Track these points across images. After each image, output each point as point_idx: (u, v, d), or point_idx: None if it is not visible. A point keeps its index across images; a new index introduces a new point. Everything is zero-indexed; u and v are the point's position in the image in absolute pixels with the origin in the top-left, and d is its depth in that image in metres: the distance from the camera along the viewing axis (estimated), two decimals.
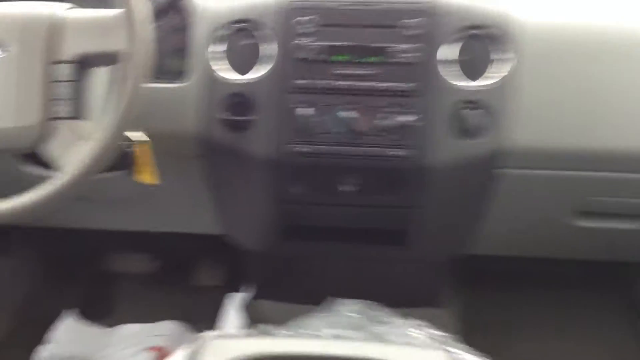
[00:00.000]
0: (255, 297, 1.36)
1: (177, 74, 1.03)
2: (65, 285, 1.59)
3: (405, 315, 1.19)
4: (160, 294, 1.59)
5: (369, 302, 1.12)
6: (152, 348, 1.41)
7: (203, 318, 1.51)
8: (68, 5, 0.86)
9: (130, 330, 1.49)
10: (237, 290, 1.50)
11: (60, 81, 0.81)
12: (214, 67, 1.01)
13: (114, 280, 1.63)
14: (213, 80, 1.01)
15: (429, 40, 0.97)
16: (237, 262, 1.43)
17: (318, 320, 1.08)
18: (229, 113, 1.00)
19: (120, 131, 0.80)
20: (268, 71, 1.00)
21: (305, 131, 0.99)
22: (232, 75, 1.01)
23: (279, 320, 1.32)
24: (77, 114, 0.82)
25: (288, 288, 1.38)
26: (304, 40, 0.99)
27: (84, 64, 0.83)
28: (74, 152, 0.79)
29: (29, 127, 0.80)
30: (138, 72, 0.79)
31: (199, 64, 1.02)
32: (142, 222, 1.28)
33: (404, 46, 0.97)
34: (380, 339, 1.02)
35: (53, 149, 0.81)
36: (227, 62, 1.01)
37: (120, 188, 1.06)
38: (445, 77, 0.97)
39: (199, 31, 1.03)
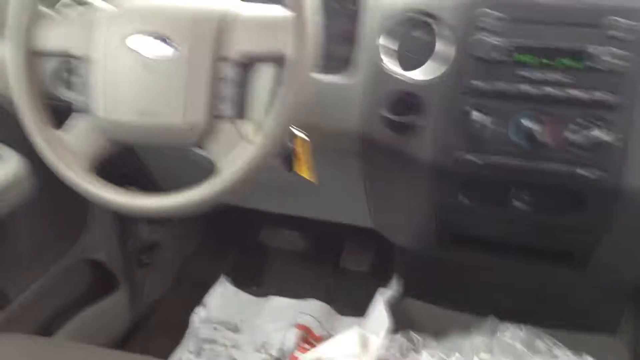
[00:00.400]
0: (404, 294, 1.32)
1: (342, 66, 0.97)
2: (221, 253, 1.66)
3: (574, 342, 1.08)
4: (307, 271, 1.61)
5: (534, 329, 1.02)
6: (299, 326, 1.43)
7: (346, 301, 1.51)
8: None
9: (279, 303, 1.52)
10: (382, 279, 1.47)
11: (225, 79, 0.79)
12: (383, 62, 0.93)
13: (265, 253, 1.68)
14: (380, 76, 0.94)
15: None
16: (386, 252, 1.39)
17: (476, 342, 1.00)
18: (395, 112, 0.93)
19: (283, 135, 0.77)
20: (442, 68, 0.90)
21: (480, 139, 0.88)
22: (401, 72, 0.93)
23: (429, 326, 1.27)
24: (240, 114, 0.80)
25: (441, 291, 1.31)
26: (487, 37, 0.87)
27: (249, 63, 0.79)
28: (236, 153, 0.77)
29: (194, 125, 0.79)
30: (303, 76, 0.74)
31: (366, 57, 0.95)
32: (297, 207, 1.27)
33: (609, 50, 0.81)
34: None
35: (215, 148, 0.80)
36: (397, 56, 0.93)
37: (278, 176, 1.05)
38: None
39: (370, 21, 0.95)
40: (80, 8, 0.88)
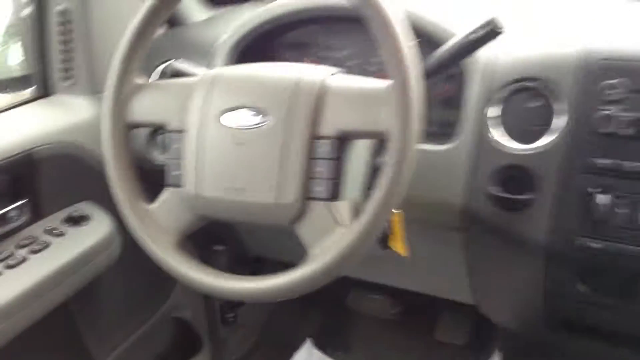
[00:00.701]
0: None
1: (443, 133, 0.90)
2: (305, 314, 1.60)
3: None
4: (397, 340, 1.52)
5: None
6: None
7: None
8: (333, 70, 0.78)
9: None
10: (479, 355, 1.35)
11: (319, 158, 0.74)
12: (490, 132, 0.86)
13: (352, 317, 1.60)
14: (487, 147, 0.86)
15: None
16: (485, 326, 1.28)
17: None
18: (502, 188, 0.85)
19: (384, 219, 0.70)
20: (558, 142, 0.81)
21: (605, 224, 0.78)
22: (510, 144, 0.84)
23: None
24: (334, 195, 0.74)
25: None
26: (609, 109, 0.78)
27: (343, 140, 0.74)
28: (330, 240, 0.72)
29: (286, 206, 0.74)
30: (408, 153, 0.67)
31: (470, 125, 0.88)
32: (388, 277, 1.20)
33: None
34: None
35: (307, 232, 0.74)
36: (506, 127, 0.85)
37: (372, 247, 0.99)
38: None
39: (476, 87, 0.88)
40: (175, 79, 0.87)
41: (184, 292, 1.36)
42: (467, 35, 0.81)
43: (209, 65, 1.10)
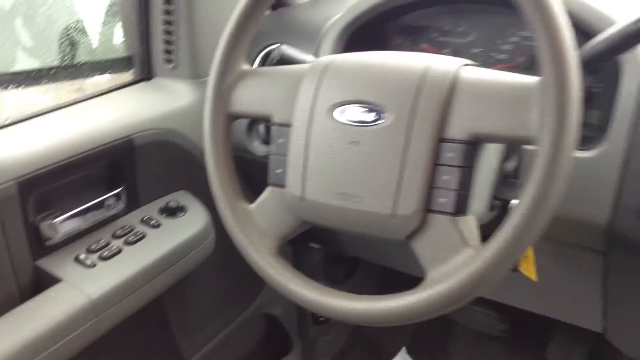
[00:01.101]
0: None
1: (587, 139, 0.77)
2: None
3: None
4: (502, 358, 1.38)
5: None
6: None
7: None
8: (465, 61, 0.67)
9: None
10: None
11: (445, 165, 0.63)
12: None
13: (452, 328, 1.48)
14: (637, 158, 0.72)
15: None
16: (605, 353, 1.13)
17: None
18: None
19: (524, 245, 0.57)
20: None
21: None
22: None
23: None
24: (460, 209, 0.63)
25: None
26: None
27: (475, 144, 0.63)
28: (455, 263, 0.61)
29: (404, 218, 0.64)
30: (559, 167, 0.55)
31: (624, 130, 0.74)
32: (504, 294, 1.07)
33: None
34: None
35: (427, 251, 0.64)
36: None
37: None
38: None
39: (633, 87, 0.74)
40: (282, 66, 0.79)
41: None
42: (631, 24, 0.67)
43: (317, 50, 1.02)
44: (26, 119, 0.94)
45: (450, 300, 0.59)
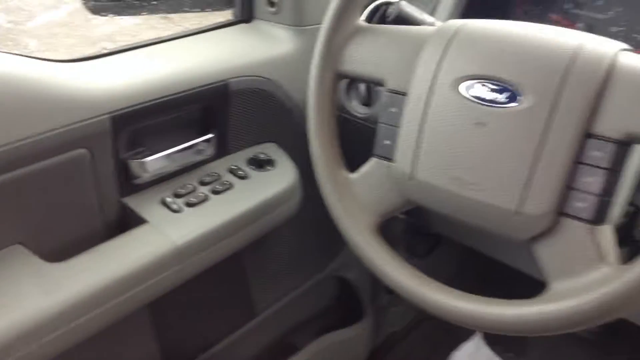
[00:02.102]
0: None
1: None
2: None
3: None
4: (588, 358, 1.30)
5: None
6: None
7: None
8: (624, 45, 0.57)
9: None
10: None
11: (588, 164, 0.55)
12: None
13: None
14: None
15: None
16: None
17: None
18: None
19: None
20: None
21: None
22: None
23: None
24: (599, 218, 0.55)
25: None
26: None
27: (628, 145, 0.54)
28: (587, 281, 0.53)
29: (530, 217, 0.57)
30: None
31: None
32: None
33: None
34: None
35: (553, 260, 0.56)
36: None
37: None
38: None
39: None
40: (403, 27, 0.71)
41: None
42: None
43: (433, 9, 0.93)
44: (122, 51, 0.91)
45: (580, 319, 0.52)
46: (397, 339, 1.41)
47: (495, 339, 1.37)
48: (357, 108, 0.97)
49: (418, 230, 1.26)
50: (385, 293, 1.37)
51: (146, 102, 0.84)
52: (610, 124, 0.53)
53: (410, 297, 0.64)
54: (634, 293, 0.50)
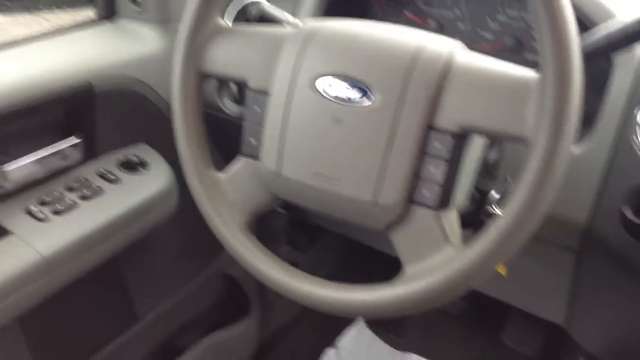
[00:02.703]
0: None
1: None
2: None
3: None
4: (458, 335, 1.39)
5: None
6: None
7: None
8: (459, 44, 0.61)
9: None
10: None
11: (432, 156, 0.59)
12: (636, 137, 0.69)
13: None
14: (626, 156, 0.70)
15: None
16: (561, 341, 1.15)
17: None
18: (638, 211, 0.69)
19: (510, 248, 0.54)
20: None
21: None
22: None
23: None
24: (443, 204, 0.60)
25: None
26: None
27: (464, 137, 0.59)
28: (434, 261, 0.58)
29: (383, 207, 0.60)
30: (553, 172, 0.51)
31: (612, 127, 0.71)
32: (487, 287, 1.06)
33: None
34: None
35: (406, 244, 0.61)
36: None
37: None
38: None
39: (624, 86, 0.71)
40: (261, 26, 0.73)
41: None
42: (636, 23, 0.63)
43: (294, 9, 0.95)
44: None
45: (428, 299, 0.57)
46: (285, 331, 1.44)
47: (377, 321, 1.43)
48: (229, 106, 0.98)
49: (299, 223, 1.29)
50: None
51: (3, 107, 0.79)
52: (448, 118, 0.57)
53: (282, 291, 0.66)
54: (474, 270, 0.55)
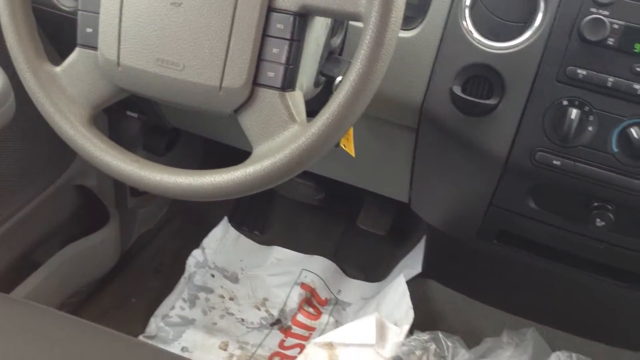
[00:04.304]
0: (427, 275, 1.20)
1: (409, 19, 0.78)
2: None
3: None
4: (318, 225, 1.48)
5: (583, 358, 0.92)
6: (304, 285, 1.32)
7: (356, 262, 1.40)
8: None
9: (283, 255, 1.41)
10: (399, 246, 1.35)
11: (274, 37, 0.60)
12: (463, 22, 0.75)
13: (273, 199, 1.53)
14: (455, 39, 0.75)
15: None
16: (408, 219, 1.26)
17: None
18: (465, 88, 0.76)
19: (349, 121, 0.58)
20: (535, 44, 0.72)
21: (566, 139, 0.72)
22: (481, 39, 0.74)
23: (453, 317, 1.17)
24: (289, 84, 0.61)
25: (469, 280, 1.19)
26: (599, 12, 0.69)
27: (305, 17, 0.60)
28: (282, 139, 0.60)
29: (230, 90, 0.61)
30: (383, 46, 0.55)
31: (441, 12, 0.76)
32: (321, 166, 1.12)
33: None
34: None
35: (254, 125, 0.62)
36: (474, 19, 0.74)
37: None
38: None
39: None
40: None
41: None
42: None
43: None
44: None
45: (276, 175, 0.60)
46: (148, 238, 1.43)
47: (241, 220, 1.48)
48: (63, 1, 0.91)
49: (154, 127, 1.26)
50: (130, 196, 1.36)
51: None
52: (289, 0, 0.59)
53: (134, 182, 0.66)
54: (319, 143, 0.58)
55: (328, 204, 1.50)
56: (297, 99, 0.63)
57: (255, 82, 0.61)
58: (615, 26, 0.69)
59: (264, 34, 0.60)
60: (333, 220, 1.49)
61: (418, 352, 0.95)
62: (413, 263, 1.23)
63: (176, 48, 0.61)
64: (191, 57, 0.61)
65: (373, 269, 1.36)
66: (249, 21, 0.59)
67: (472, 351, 1.00)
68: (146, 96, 0.66)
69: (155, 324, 1.22)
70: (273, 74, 0.61)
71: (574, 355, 0.94)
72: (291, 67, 0.61)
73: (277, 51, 0.60)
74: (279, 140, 0.61)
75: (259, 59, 0.60)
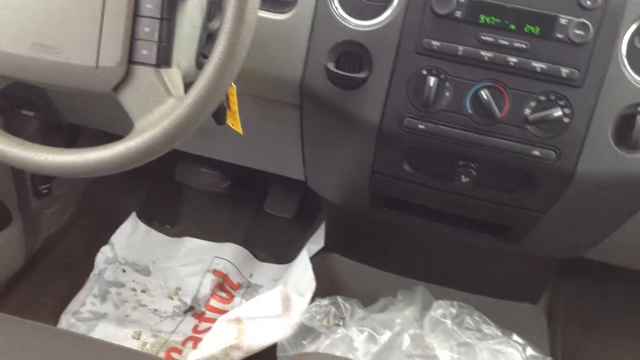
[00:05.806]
0: (330, 249, 1.26)
1: (284, 3, 0.84)
2: (130, 186, 1.52)
3: (498, 310, 1.09)
4: (226, 213, 1.52)
5: (466, 306, 1.00)
6: (216, 272, 1.36)
7: (266, 246, 1.45)
8: None
9: (194, 244, 1.43)
10: (306, 227, 1.41)
11: (145, 16, 0.64)
12: (327, 4, 0.81)
13: (181, 191, 1.55)
14: (325, 19, 0.82)
15: (613, 17, 0.74)
16: (312, 201, 1.32)
17: (407, 317, 0.97)
18: (341, 65, 0.82)
19: (219, 91, 0.63)
20: (394, 20, 0.79)
21: (428, 105, 0.80)
22: (348, 18, 0.81)
23: (354, 285, 1.23)
24: (164, 61, 0.66)
25: (369, 250, 1.26)
26: None
27: None
28: (159, 112, 0.64)
29: (107, 70, 0.65)
30: (243, 21, 0.60)
31: None
32: (221, 152, 1.16)
33: (578, 20, 0.74)
34: (468, 349, 0.91)
35: (133, 102, 0.66)
36: (342, 0, 0.81)
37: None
38: (624, 70, 0.75)
39: None
40: None
41: None
42: None
43: None
44: None
45: (157, 147, 0.64)
46: (56, 239, 1.42)
47: (151, 215, 1.49)
48: None
49: (53, 125, 1.26)
50: (34, 197, 1.35)
51: None
52: None
53: (20, 164, 0.68)
54: (193, 114, 0.63)
55: (235, 192, 1.54)
56: (173, 75, 0.67)
57: (131, 60, 0.65)
58: (462, 0, 0.77)
59: (135, 14, 0.64)
60: (242, 207, 1.53)
61: (319, 317, 1.02)
62: (317, 239, 1.29)
63: (51, 32, 0.64)
64: (67, 40, 0.64)
65: (283, 252, 1.41)
66: (119, 2, 0.63)
67: (367, 309, 1.07)
68: (27, 81, 0.68)
69: (66, 320, 1.22)
70: (147, 51, 0.65)
71: (455, 303, 1.03)
72: (164, 44, 0.66)
73: (149, 30, 0.64)
74: (157, 113, 0.65)
75: (132, 38, 0.64)
